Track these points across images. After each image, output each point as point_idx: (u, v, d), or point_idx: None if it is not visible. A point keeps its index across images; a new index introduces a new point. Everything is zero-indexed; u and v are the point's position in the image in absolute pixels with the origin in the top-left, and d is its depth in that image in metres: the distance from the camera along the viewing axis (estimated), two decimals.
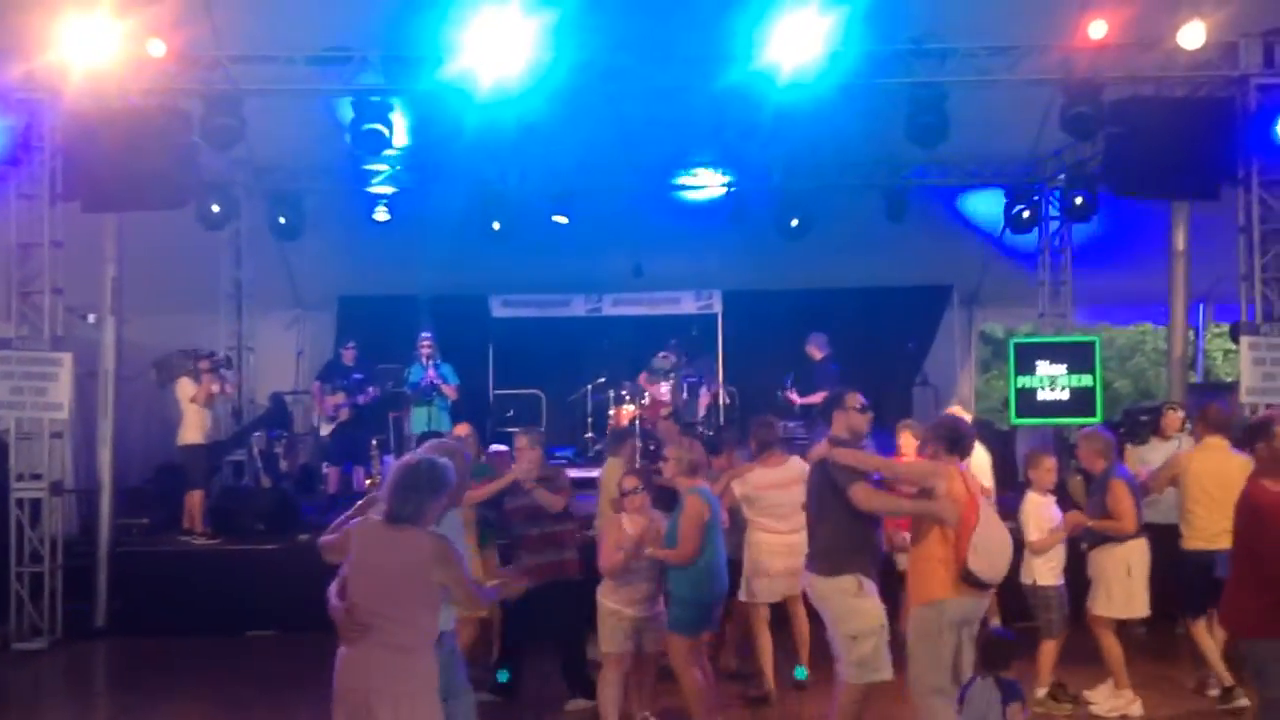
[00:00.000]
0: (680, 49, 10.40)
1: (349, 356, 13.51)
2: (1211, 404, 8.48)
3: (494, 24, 9.82)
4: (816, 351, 13.09)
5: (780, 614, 8.14)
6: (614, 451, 9.32)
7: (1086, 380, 12.95)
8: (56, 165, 10.38)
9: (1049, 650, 7.53)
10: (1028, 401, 13.18)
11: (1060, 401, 13.04)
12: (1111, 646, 7.52)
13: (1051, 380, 13.07)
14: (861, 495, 5.77)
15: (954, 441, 5.98)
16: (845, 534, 5.92)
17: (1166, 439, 9.79)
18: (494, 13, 9.79)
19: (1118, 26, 10.18)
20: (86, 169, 10.18)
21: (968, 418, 8.00)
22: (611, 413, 14.02)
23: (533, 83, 10.26)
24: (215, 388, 11.50)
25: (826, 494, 5.95)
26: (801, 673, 8.09)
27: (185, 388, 11.30)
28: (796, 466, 7.76)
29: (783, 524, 7.79)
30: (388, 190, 13.80)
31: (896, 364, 15.47)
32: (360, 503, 5.08)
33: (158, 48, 10.09)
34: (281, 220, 13.68)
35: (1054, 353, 13.26)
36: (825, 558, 6.00)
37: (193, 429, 11.31)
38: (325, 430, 13.17)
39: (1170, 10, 10.03)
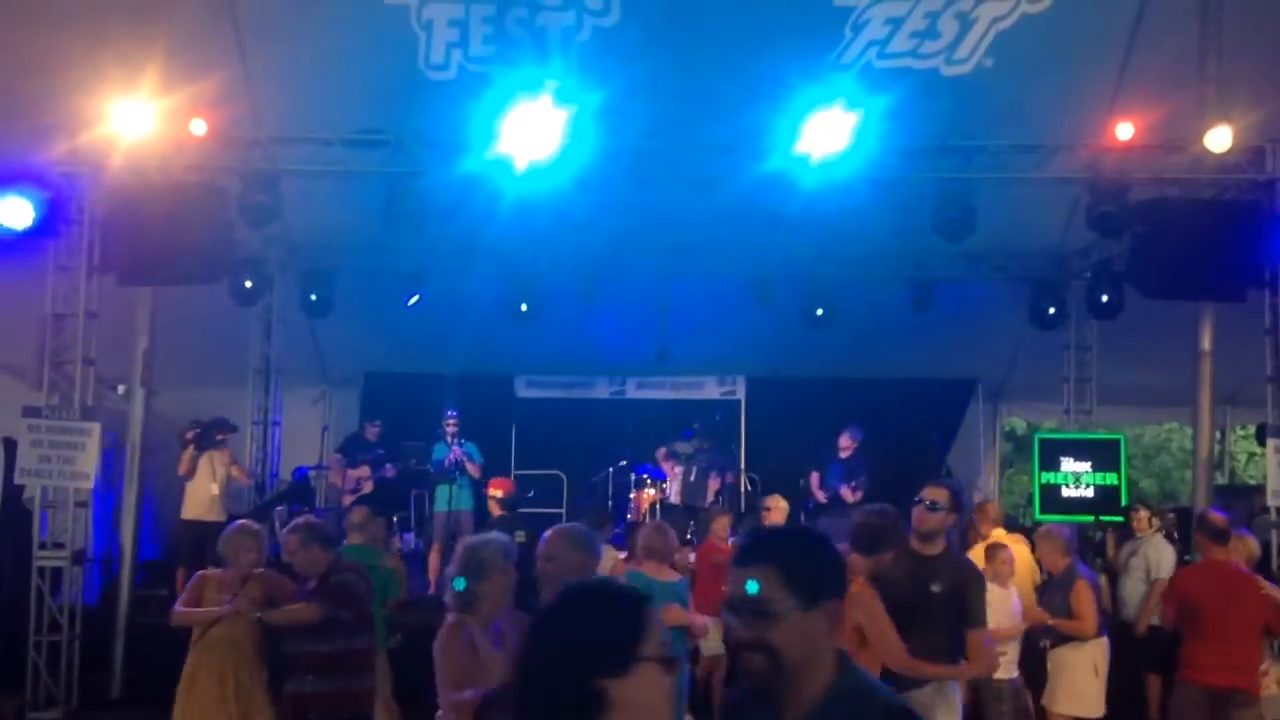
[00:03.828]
0: (709, 138, 10.57)
1: (373, 433, 13.58)
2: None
3: (527, 112, 9.99)
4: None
5: None
6: None
7: (1111, 478, 12.88)
8: (95, 238, 10.55)
9: None
10: (1052, 498, 13.08)
11: (1084, 499, 12.96)
12: None
13: (1076, 477, 13.00)
14: None
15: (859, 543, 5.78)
16: None
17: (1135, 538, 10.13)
18: (528, 101, 9.98)
19: (1145, 128, 10.28)
20: (125, 243, 10.34)
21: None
22: (633, 495, 14.00)
23: (564, 168, 10.40)
24: (187, 460, 11.58)
25: None
26: None
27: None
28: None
29: None
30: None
31: (920, 457, 15.40)
32: None
33: (199, 126, 10.29)
34: (313, 297, 13.83)
35: (1079, 449, 13.21)
36: None
37: (186, 504, 11.44)
38: (347, 502, 13.18)
39: (1197, 114, 10.13)
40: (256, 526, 7.26)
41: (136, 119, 10.01)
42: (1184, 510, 12.96)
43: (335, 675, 6.34)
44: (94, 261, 10.56)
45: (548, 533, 4.55)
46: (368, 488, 13.09)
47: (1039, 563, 8.42)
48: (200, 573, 7.18)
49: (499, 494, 11.10)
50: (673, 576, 6.98)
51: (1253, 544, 8.62)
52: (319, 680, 6.31)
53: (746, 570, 2.57)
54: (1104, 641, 7.57)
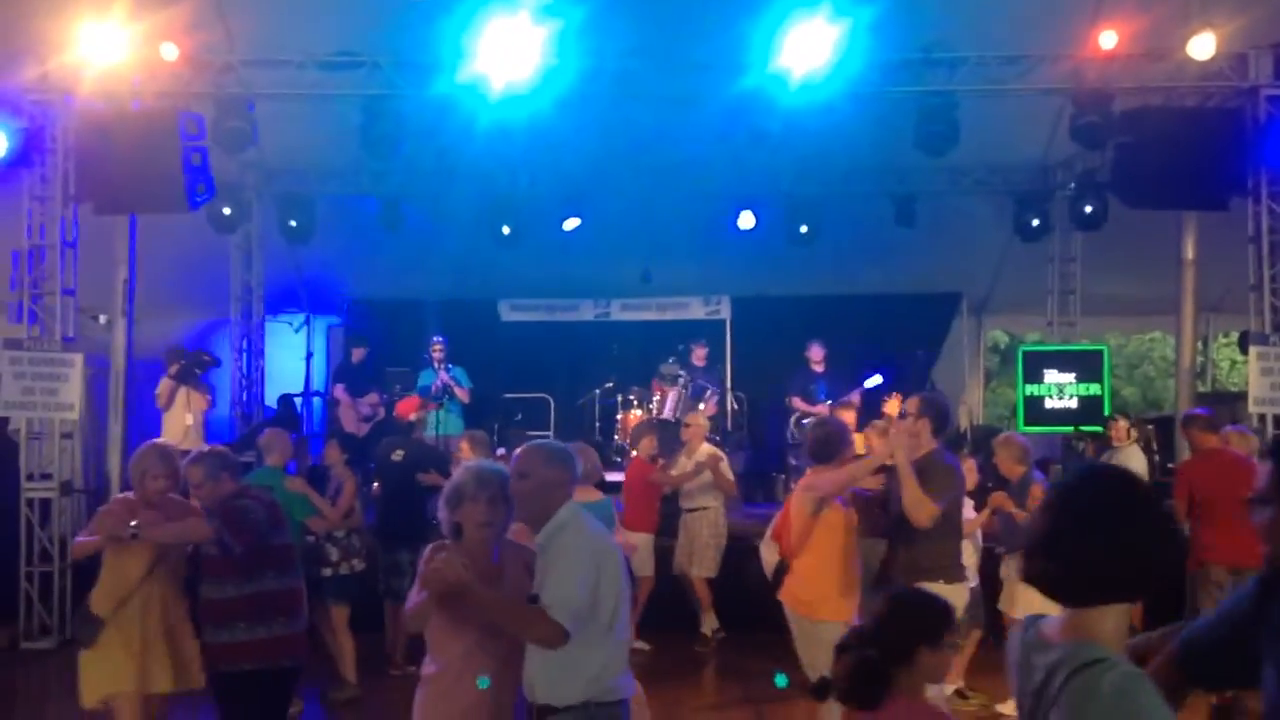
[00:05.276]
0: (691, 55, 10.43)
1: (358, 355, 13.58)
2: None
3: (505, 30, 9.86)
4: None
5: None
6: None
7: (1094, 389, 12.98)
8: (69, 167, 10.43)
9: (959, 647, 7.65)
10: (1036, 409, 13.18)
11: (1068, 410, 13.05)
12: None
13: (1060, 388, 13.08)
14: None
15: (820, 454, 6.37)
16: None
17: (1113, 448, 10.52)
18: (505, 19, 9.83)
19: (1128, 37, 10.19)
20: (99, 171, 10.22)
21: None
22: (619, 417, 14.03)
23: (543, 88, 10.28)
24: (165, 391, 11.48)
25: None
26: None
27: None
28: None
29: None
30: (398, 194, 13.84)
31: (904, 371, 15.45)
32: None
33: (171, 51, 10.14)
34: (292, 224, 13.73)
35: (1062, 361, 13.29)
36: None
37: (163, 433, 11.39)
38: (361, 431, 13.18)
39: (1181, 21, 10.03)
40: (171, 448, 6.25)
41: (107, 44, 9.85)
42: (1165, 419, 13.07)
43: (265, 621, 5.54)
44: (69, 191, 10.45)
45: (519, 449, 4.40)
46: (382, 414, 13.14)
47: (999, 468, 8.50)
48: (102, 508, 6.27)
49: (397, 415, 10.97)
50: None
51: (1253, 439, 8.95)
52: (251, 627, 5.52)
53: None
54: None
